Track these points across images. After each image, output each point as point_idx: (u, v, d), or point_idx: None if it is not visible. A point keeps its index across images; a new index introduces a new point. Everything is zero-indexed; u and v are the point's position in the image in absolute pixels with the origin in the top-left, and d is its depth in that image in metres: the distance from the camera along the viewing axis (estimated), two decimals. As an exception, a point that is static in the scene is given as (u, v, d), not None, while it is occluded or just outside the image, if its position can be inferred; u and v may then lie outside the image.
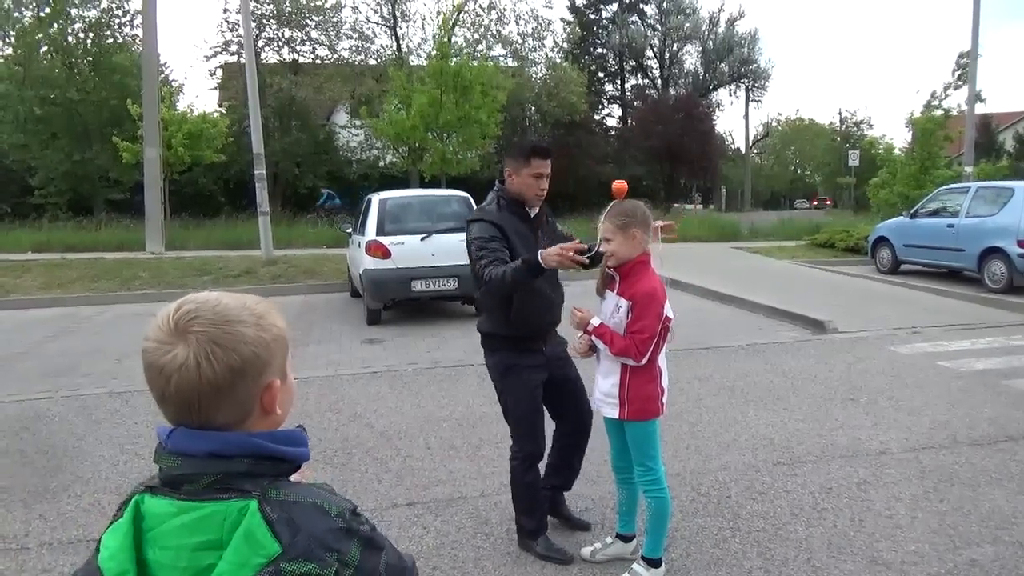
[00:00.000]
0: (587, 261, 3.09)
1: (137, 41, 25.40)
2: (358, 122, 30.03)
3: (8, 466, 4.88)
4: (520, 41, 34.61)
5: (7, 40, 26.05)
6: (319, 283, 12.98)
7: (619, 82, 48.11)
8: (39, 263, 14.04)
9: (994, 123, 43.80)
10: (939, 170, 19.20)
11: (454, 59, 20.89)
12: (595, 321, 3.21)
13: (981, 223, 11.86)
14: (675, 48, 48.40)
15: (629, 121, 44.08)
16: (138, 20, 24.86)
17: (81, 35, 27.02)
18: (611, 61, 47.21)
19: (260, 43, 30.72)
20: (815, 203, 59.37)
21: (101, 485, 4.51)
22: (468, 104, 20.40)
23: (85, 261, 14.24)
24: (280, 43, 32.58)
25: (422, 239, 9.41)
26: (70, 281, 12.72)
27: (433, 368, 7.32)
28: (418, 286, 9.34)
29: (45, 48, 26.43)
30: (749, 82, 50.83)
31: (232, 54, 31.45)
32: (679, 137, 37.15)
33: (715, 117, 47.20)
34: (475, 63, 21.75)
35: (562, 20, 42.27)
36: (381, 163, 32.05)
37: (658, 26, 47.46)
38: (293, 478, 1.04)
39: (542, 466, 3.69)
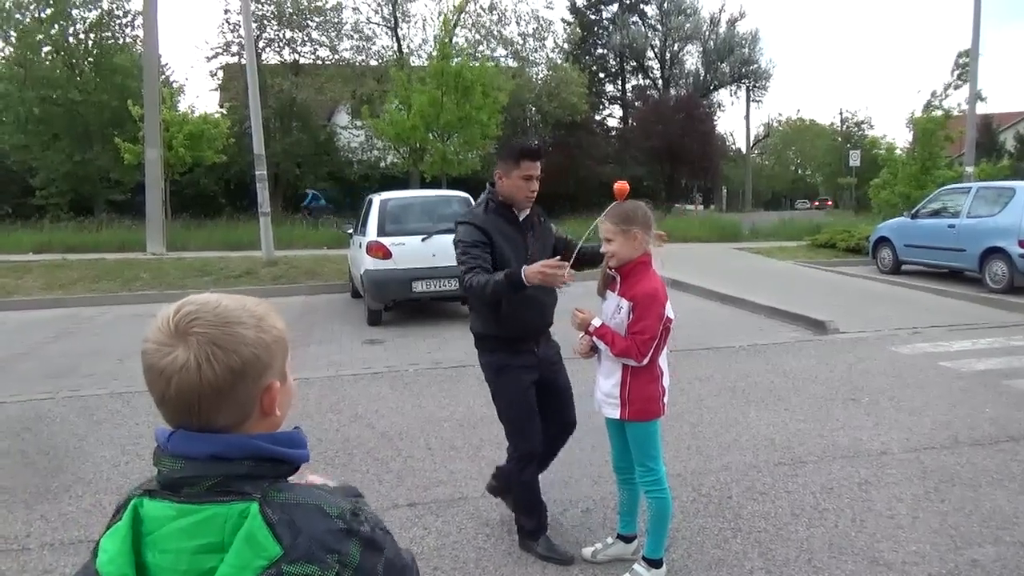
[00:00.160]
0: (571, 279, 3.06)
1: (138, 42, 25.43)
2: (359, 123, 30.06)
3: (9, 467, 4.88)
4: (521, 42, 34.67)
5: (8, 41, 26.08)
6: (320, 284, 12.98)
7: (620, 82, 48.15)
8: (40, 264, 14.05)
9: (995, 123, 43.76)
10: (940, 170, 19.20)
11: (455, 60, 20.90)
12: (596, 322, 3.21)
13: (982, 223, 11.85)
14: (676, 48, 48.45)
15: (630, 121, 44.11)
16: (139, 21, 24.90)
17: (82, 36, 27.06)
18: (612, 61, 47.24)
19: (261, 44, 30.76)
20: (816, 204, 59.36)
21: (102, 486, 4.52)
22: (469, 105, 20.41)
23: (86, 262, 14.24)
24: (281, 44, 32.66)
25: (423, 240, 9.41)
26: (71, 282, 12.73)
27: (434, 369, 7.32)
28: (419, 287, 9.33)
29: (47, 49, 26.46)
30: (750, 82, 50.89)
31: (233, 55, 31.50)
32: (680, 137, 37.16)
33: (716, 117, 47.29)
34: (476, 64, 21.76)
35: (563, 20, 42.39)
36: (382, 164, 32.08)
37: (659, 26, 47.49)
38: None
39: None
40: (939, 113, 21.01)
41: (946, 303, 10.81)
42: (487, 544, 3.73)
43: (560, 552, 3.56)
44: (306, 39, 32.84)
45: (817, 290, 11.80)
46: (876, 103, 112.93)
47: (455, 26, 29.31)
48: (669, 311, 3.17)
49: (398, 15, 33.73)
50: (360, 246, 10.04)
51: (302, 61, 32.97)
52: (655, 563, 3.31)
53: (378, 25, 34.00)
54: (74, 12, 26.75)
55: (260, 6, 30.70)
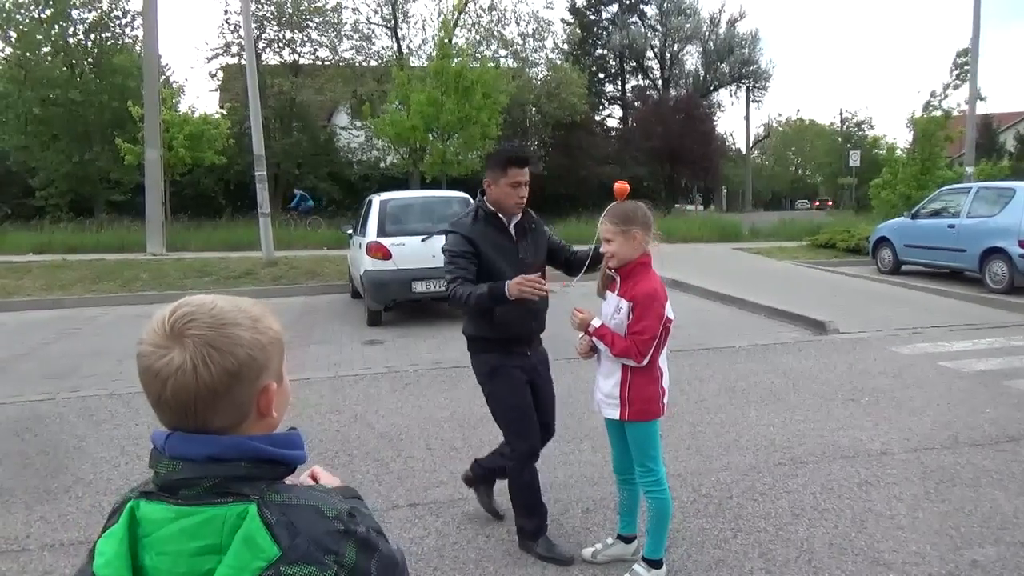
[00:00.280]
0: (548, 292, 3.14)
1: (138, 42, 25.44)
2: (359, 123, 30.05)
3: (9, 468, 4.88)
4: (521, 42, 34.67)
5: (8, 41, 26.09)
6: (320, 284, 12.98)
7: (620, 83, 48.15)
8: (40, 265, 14.05)
9: (995, 123, 43.80)
10: (940, 171, 19.21)
11: (455, 60, 20.90)
12: (596, 322, 3.21)
13: (982, 223, 11.85)
14: (676, 49, 48.45)
15: (630, 122, 44.11)
16: (139, 21, 24.91)
17: (82, 36, 27.07)
18: (611, 62, 47.24)
19: (261, 44, 30.78)
20: (817, 204, 59.39)
21: (102, 487, 4.51)
22: (469, 105, 20.42)
23: (86, 263, 14.25)
24: (281, 44, 32.67)
25: (423, 240, 9.40)
26: (71, 283, 12.73)
27: (434, 369, 7.32)
28: (419, 287, 9.33)
29: (46, 49, 26.47)
30: (750, 83, 50.89)
31: (233, 55, 31.51)
32: (680, 138, 37.17)
33: (716, 118, 47.33)
34: (476, 65, 21.76)
35: (562, 21, 42.40)
36: (382, 164, 32.08)
37: (658, 27, 47.49)
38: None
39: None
40: (939, 113, 21.01)
41: (946, 303, 10.81)
42: (487, 545, 3.72)
43: (560, 552, 3.56)
44: (306, 39, 32.87)
45: (817, 290, 11.80)
46: (876, 103, 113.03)
47: (455, 26, 29.31)
48: (669, 311, 3.17)
49: (398, 15, 33.74)
50: (360, 247, 10.04)
51: (302, 62, 32.99)
52: (655, 563, 3.31)
53: (378, 25, 34.04)
54: (74, 13, 26.75)
55: (260, 7, 30.72)
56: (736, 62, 48.90)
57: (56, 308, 11.54)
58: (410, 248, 9.41)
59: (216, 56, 32.36)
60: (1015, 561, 3.47)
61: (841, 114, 78.00)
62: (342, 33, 33.13)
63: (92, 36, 27.11)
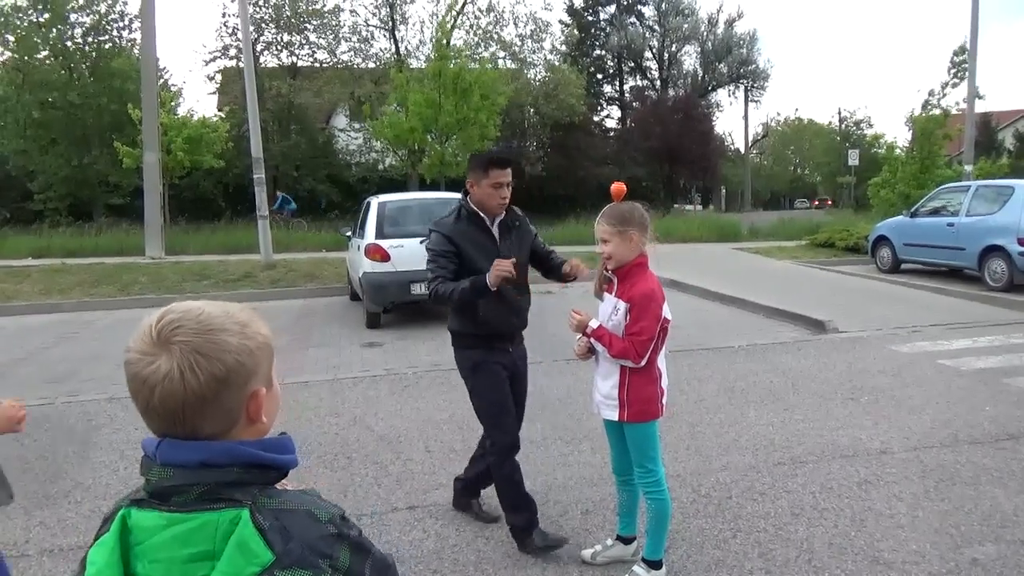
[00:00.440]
0: (517, 268, 3.35)
1: (136, 46, 25.44)
2: (357, 125, 30.04)
3: (8, 472, 4.82)
4: (519, 43, 34.69)
5: (6, 45, 26.10)
6: (319, 287, 12.97)
7: (618, 83, 48.18)
8: (39, 269, 14.04)
9: (994, 121, 43.83)
10: (939, 169, 19.20)
11: (453, 62, 20.90)
12: (593, 323, 3.21)
13: (981, 221, 11.85)
14: (674, 49, 48.48)
15: (628, 122, 44.13)
16: (136, 24, 24.92)
17: (80, 40, 27.08)
18: (610, 63, 47.27)
19: (259, 47, 30.81)
20: (816, 204, 59.42)
21: (101, 491, 4.51)
22: (467, 107, 20.41)
23: (84, 266, 14.24)
24: (279, 47, 32.70)
25: (421, 242, 9.30)
26: (70, 287, 12.72)
27: (433, 371, 7.31)
28: (417, 289, 9.31)
29: (45, 53, 26.48)
30: (748, 82, 50.92)
31: (231, 58, 31.54)
32: (678, 138, 37.20)
33: (714, 118, 47.34)
34: (475, 66, 21.76)
35: (560, 22, 42.42)
36: (380, 166, 32.12)
37: (656, 27, 47.53)
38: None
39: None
40: (938, 112, 20.99)
41: (945, 301, 10.81)
42: (486, 547, 3.72)
43: (554, 539, 3.59)
44: (304, 42, 32.91)
45: (816, 289, 11.80)
46: (875, 102, 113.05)
47: (453, 28, 29.32)
48: (666, 312, 3.16)
49: (396, 17, 33.77)
50: (358, 249, 10.03)
51: (300, 64, 33.04)
52: (655, 564, 3.30)
53: (376, 28, 34.06)
54: (72, 16, 26.76)
55: (258, 9, 30.73)
56: (734, 62, 48.93)
57: (55, 312, 11.53)
58: (409, 250, 9.39)
59: (214, 59, 32.45)
60: (1015, 559, 3.47)
61: (840, 113, 78.08)
62: (340, 35, 33.20)
63: (89, 39, 27.12)
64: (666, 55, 48.46)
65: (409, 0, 34.23)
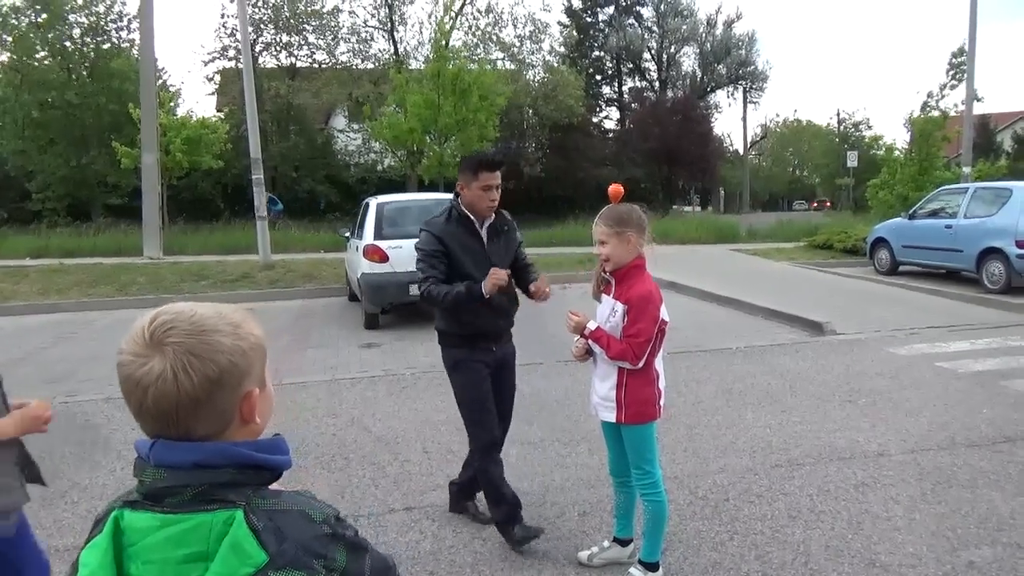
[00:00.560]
0: (509, 279, 3.51)
1: (134, 46, 25.43)
2: (356, 126, 30.01)
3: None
4: (518, 44, 34.70)
5: (5, 46, 26.09)
6: (317, 287, 12.97)
7: (617, 84, 48.17)
8: (37, 269, 14.02)
9: (992, 123, 43.88)
10: (938, 171, 19.21)
11: (452, 63, 20.90)
12: (591, 325, 3.21)
13: (979, 224, 11.86)
14: (672, 50, 48.47)
15: (627, 123, 44.14)
16: (135, 25, 24.91)
17: (78, 40, 27.07)
18: (608, 64, 47.26)
19: (258, 48, 30.80)
20: (815, 205, 59.48)
21: (98, 492, 4.50)
22: (466, 108, 20.41)
23: (83, 267, 14.22)
24: (278, 48, 32.69)
25: (419, 243, 9.38)
26: (68, 287, 12.71)
27: (431, 372, 7.30)
28: (416, 290, 9.30)
29: (43, 53, 26.46)
30: (747, 84, 50.93)
31: (230, 59, 31.53)
32: (677, 139, 37.21)
33: (713, 119, 47.32)
34: (474, 67, 21.76)
35: (559, 23, 42.40)
36: (379, 167, 32.10)
37: (655, 28, 47.52)
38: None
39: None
40: (936, 114, 21.01)
41: (943, 304, 10.81)
42: (483, 548, 3.72)
43: (533, 530, 3.63)
44: (303, 43, 32.89)
45: (814, 291, 11.81)
46: (873, 104, 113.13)
47: (451, 29, 29.33)
48: (664, 313, 3.17)
49: (395, 18, 33.77)
50: (357, 250, 10.03)
51: (299, 65, 33.02)
52: (651, 566, 3.30)
53: (375, 28, 34.06)
54: (71, 17, 26.75)
55: (257, 10, 30.73)
56: (733, 63, 48.94)
57: (53, 312, 11.52)
58: (407, 251, 9.33)
59: (213, 60, 32.43)
60: (1011, 562, 3.47)
61: (838, 115, 78.10)
62: (339, 36, 33.18)
63: (88, 40, 27.10)
64: (665, 56, 48.46)
65: (408, 1, 34.10)
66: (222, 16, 36.24)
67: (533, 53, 35.74)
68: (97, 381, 7.18)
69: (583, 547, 3.64)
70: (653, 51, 48.15)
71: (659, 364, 3.25)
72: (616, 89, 48.23)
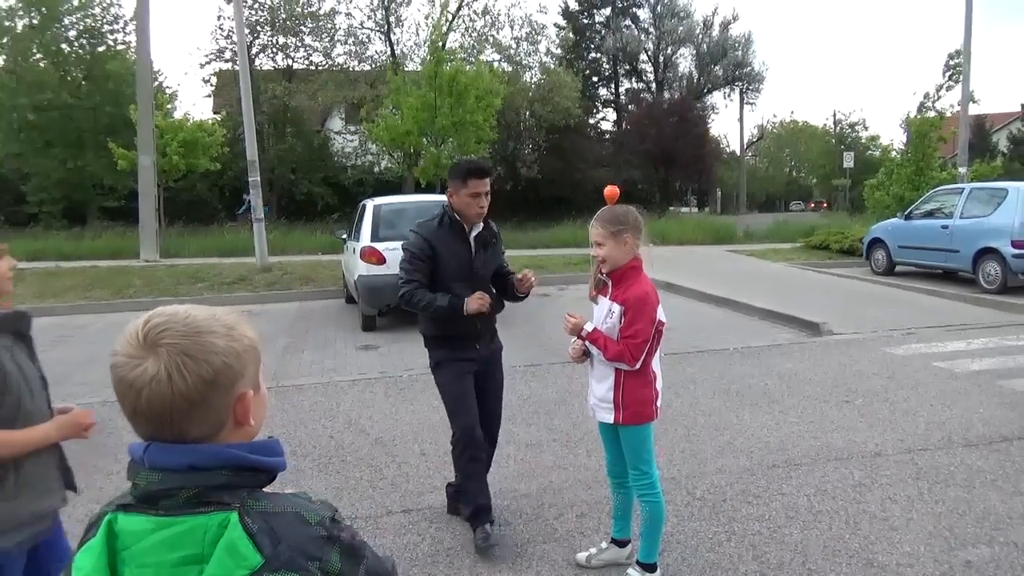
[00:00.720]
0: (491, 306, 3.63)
1: (131, 48, 25.40)
2: (353, 128, 29.99)
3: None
4: (514, 46, 34.72)
5: (0, 48, 26.03)
6: (314, 289, 12.95)
7: (613, 86, 48.19)
8: (33, 272, 13.98)
9: (988, 123, 43.99)
10: (934, 171, 19.24)
11: (448, 64, 20.90)
12: (588, 326, 3.21)
13: (975, 224, 11.89)
14: (669, 52, 48.49)
15: (624, 125, 44.18)
16: (131, 27, 24.88)
17: (75, 43, 27.03)
18: (605, 65, 47.29)
19: (254, 50, 30.76)
20: (811, 206, 59.59)
21: (95, 495, 4.48)
22: (462, 109, 20.41)
23: (79, 270, 14.19)
24: (275, 50, 32.65)
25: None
26: (64, 290, 12.68)
27: (428, 374, 7.20)
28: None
29: (39, 56, 26.43)
30: (743, 85, 50.95)
31: (226, 61, 31.51)
32: (674, 140, 37.26)
33: (710, 120, 47.40)
34: (471, 68, 21.76)
35: (555, 25, 42.41)
36: (376, 169, 32.09)
37: (652, 30, 47.55)
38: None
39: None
40: (933, 114, 21.04)
41: (940, 304, 10.83)
42: (480, 551, 3.71)
43: (491, 541, 3.65)
44: (299, 44, 32.87)
45: (811, 292, 11.82)
46: (870, 105, 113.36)
47: (448, 30, 29.34)
48: (661, 314, 3.17)
49: (391, 20, 33.76)
50: (354, 251, 10.02)
51: (296, 67, 32.99)
52: (649, 567, 3.30)
53: (372, 30, 34.05)
54: (66, 20, 26.71)
55: (253, 12, 30.71)
56: (729, 64, 48.97)
57: (49, 316, 11.47)
58: (404, 253, 9.38)
59: (210, 62, 32.40)
60: (1008, 561, 3.48)
61: (835, 116, 78.31)
62: (336, 38, 33.17)
63: (83, 42, 27.06)
64: (661, 58, 48.48)
65: (404, 3, 34.02)
66: (218, 18, 36.27)
67: (530, 55, 35.79)
68: (93, 385, 7.15)
69: (581, 548, 3.64)
70: (649, 52, 48.17)
71: (656, 365, 3.25)
72: (613, 91, 48.28)
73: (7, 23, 25.73)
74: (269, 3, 31.41)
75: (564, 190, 33.61)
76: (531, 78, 35.34)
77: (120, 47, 27.57)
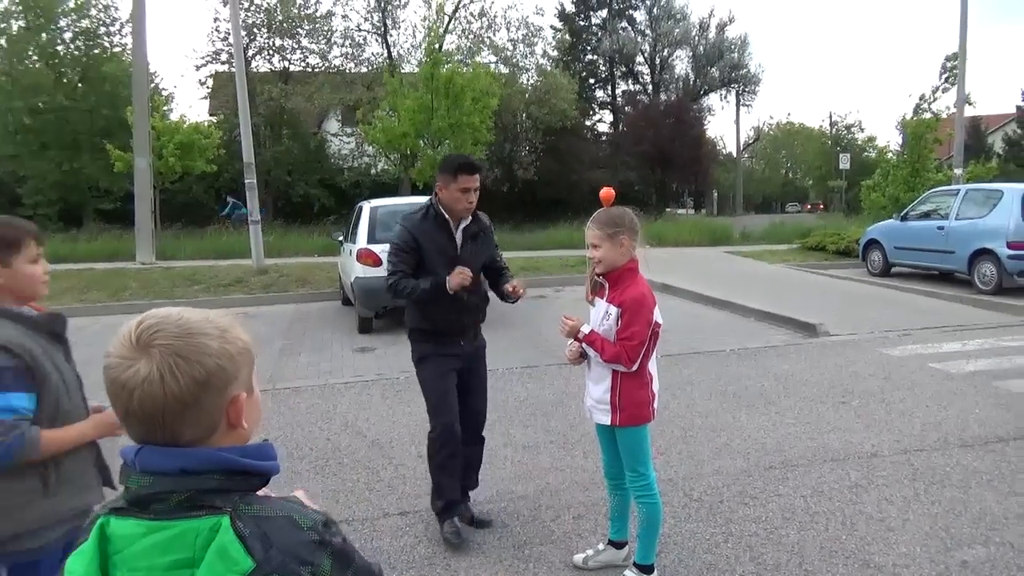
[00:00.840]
0: (472, 280, 3.60)
1: (127, 51, 25.38)
2: (349, 130, 29.96)
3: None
4: (511, 48, 34.75)
5: (-5, 50, 26.01)
6: (310, 292, 12.93)
7: (610, 88, 48.26)
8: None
9: (983, 125, 44.11)
10: (930, 173, 19.29)
11: (445, 66, 20.89)
12: (585, 328, 3.21)
13: (971, 225, 11.91)
14: (665, 53, 48.57)
15: (620, 127, 44.27)
16: (127, 29, 24.85)
17: (71, 45, 26.99)
18: (601, 67, 47.36)
19: (251, 52, 30.76)
20: (807, 208, 59.70)
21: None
22: (459, 111, 20.41)
23: (75, 272, 14.15)
24: (271, 52, 32.63)
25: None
26: (59, 292, 12.62)
27: (425, 376, 7.29)
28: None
29: (35, 58, 26.38)
30: (739, 87, 51.04)
31: (223, 63, 31.48)
32: (670, 142, 37.32)
33: (706, 122, 47.57)
34: (467, 70, 21.76)
35: (552, 27, 42.47)
36: (373, 170, 32.08)
37: (648, 32, 47.64)
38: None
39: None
40: (929, 116, 21.07)
41: (936, 305, 10.85)
42: (478, 552, 3.71)
43: (460, 537, 3.74)
44: (296, 47, 32.86)
45: (807, 293, 11.84)
46: (866, 106, 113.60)
47: (445, 32, 29.34)
48: (657, 316, 3.17)
49: (388, 22, 33.76)
50: (350, 253, 10.01)
51: (292, 69, 32.97)
52: (646, 569, 3.30)
53: (368, 32, 34.05)
54: (62, 22, 26.67)
55: (250, 14, 30.69)
56: (726, 66, 49.05)
57: (45, 318, 11.45)
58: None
59: (206, 63, 32.38)
60: (1004, 561, 3.48)
61: (831, 117, 78.45)
62: (332, 40, 33.18)
63: (79, 43, 27.01)
64: (658, 59, 48.55)
65: (401, 5, 34.03)
66: (215, 20, 36.15)
67: (526, 57, 35.83)
68: (89, 387, 7.11)
69: (578, 550, 3.63)
70: (646, 54, 48.24)
71: (653, 367, 3.25)
72: (609, 92, 48.34)
73: (2, 25, 25.67)
74: (266, 5, 31.41)
75: (561, 192, 33.64)
76: (528, 80, 35.39)
77: (116, 49, 27.54)
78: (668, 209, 40.31)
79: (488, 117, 21.42)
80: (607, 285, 3.22)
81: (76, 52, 27.10)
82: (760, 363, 7.51)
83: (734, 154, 59.49)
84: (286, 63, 32.89)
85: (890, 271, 13.83)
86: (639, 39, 47.28)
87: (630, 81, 49.09)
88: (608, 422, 3.23)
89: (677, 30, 47.32)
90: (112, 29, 27.64)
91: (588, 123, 44.54)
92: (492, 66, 29.85)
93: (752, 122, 73.97)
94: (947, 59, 24.18)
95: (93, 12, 27.11)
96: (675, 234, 20.89)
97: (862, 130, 55.94)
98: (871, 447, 5.04)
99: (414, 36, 35.52)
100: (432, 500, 3.92)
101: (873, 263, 14.22)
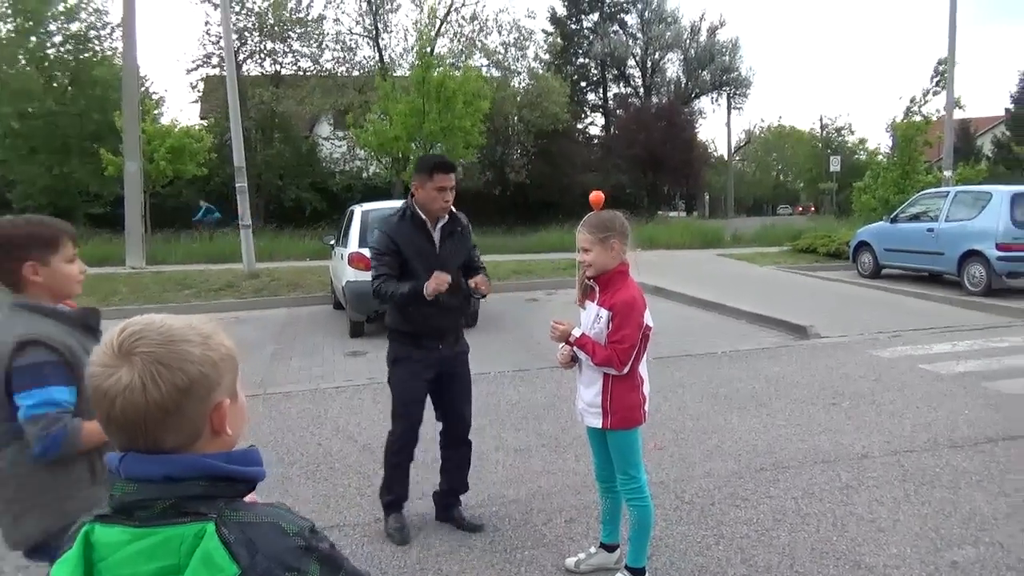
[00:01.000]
0: (449, 283, 3.57)
1: (117, 55, 25.27)
2: (341, 133, 29.90)
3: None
4: (502, 51, 34.76)
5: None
6: (302, 296, 12.89)
7: (601, 91, 48.38)
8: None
9: (973, 127, 44.37)
10: (919, 175, 19.39)
11: (437, 70, 20.90)
12: (576, 332, 3.21)
13: (960, 227, 11.98)
14: (657, 57, 48.73)
15: (612, 130, 44.34)
16: (118, 33, 24.74)
17: (60, 49, 26.87)
18: (593, 70, 47.49)
19: (242, 55, 30.68)
20: (799, 210, 59.93)
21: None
22: (451, 114, 20.41)
23: (65, 277, 14.06)
24: (262, 55, 32.57)
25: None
26: (50, 297, 12.57)
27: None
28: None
29: (24, 61, 26.24)
30: (731, 90, 51.21)
31: (214, 67, 31.40)
32: (661, 145, 37.40)
33: (697, 125, 47.64)
34: (458, 73, 21.77)
35: (543, 31, 42.52)
36: (364, 174, 32.03)
37: (640, 35, 47.79)
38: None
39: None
40: (919, 119, 21.19)
41: (926, 306, 10.91)
42: (470, 556, 3.70)
43: (402, 534, 3.84)
44: (287, 50, 32.81)
45: (798, 295, 11.88)
46: (856, 109, 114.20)
47: (436, 35, 29.35)
48: (648, 319, 3.18)
49: (379, 26, 33.75)
50: (342, 257, 9.99)
51: (283, 72, 32.92)
52: (638, 572, 3.30)
53: (360, 36, 34.02)
54: (52, 26, 26.54)
55: (241, 18, 30.64)
56: (717, 69, 49.23)
57: (34, 323, 11.38)
58: (392, 258, 9.35)
59: (197, 67, 32.30)
60: (994, 561, 3.50)
61: (821, 120, 78.74)
62: (324, 44, 33.14)
63: (69, 47, 26.88)
64: (649, 63, 48.70)
65: (392, 9, 34.03)
66: (206, 24, 36.11)
67: (518, 60, 35.84)
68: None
69: (570, 553, 3.63)
70: (637, 58, 48.39)
71: (644, 369, 3.26)
72: (601, 95, 48.46)
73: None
74: (257, 9, 31.36)
75: (552, 195, 33.66)
76: (519, 83, 35.41)
77: (107, 53, 27.42)
78: (659, 212, 40.44)
79: (480, 120, 21.42)
80: (598, 288, 3.22)
81: (66, 56, 26.94)
82: (751, 365, 7.53)
83: (725, 157, 59.68)
84: (277, 67, 32.85)
85: (880, 273, 13.89)
86: (630, 42, 47.44)
87: (621, 84, 49.25)
88: (599, 425, 3.23)
89: (668, 33, 47.49)
90: (102, 33, 27.50)
91: (580, 126, 44.64)
92: (484, 69, 29.92)
93: (743, 125, 74.41)
94: (939, 63, 24.30)
95: (83, 16, 26.99)
96: (666, 237, 20.94)
97: (852, 132, 56.24)
98: (861, 448, 5.06)
99: (406, 40, 35.51)
100: (381, 492, 4.00)
101: (863, 265, 14.29)
